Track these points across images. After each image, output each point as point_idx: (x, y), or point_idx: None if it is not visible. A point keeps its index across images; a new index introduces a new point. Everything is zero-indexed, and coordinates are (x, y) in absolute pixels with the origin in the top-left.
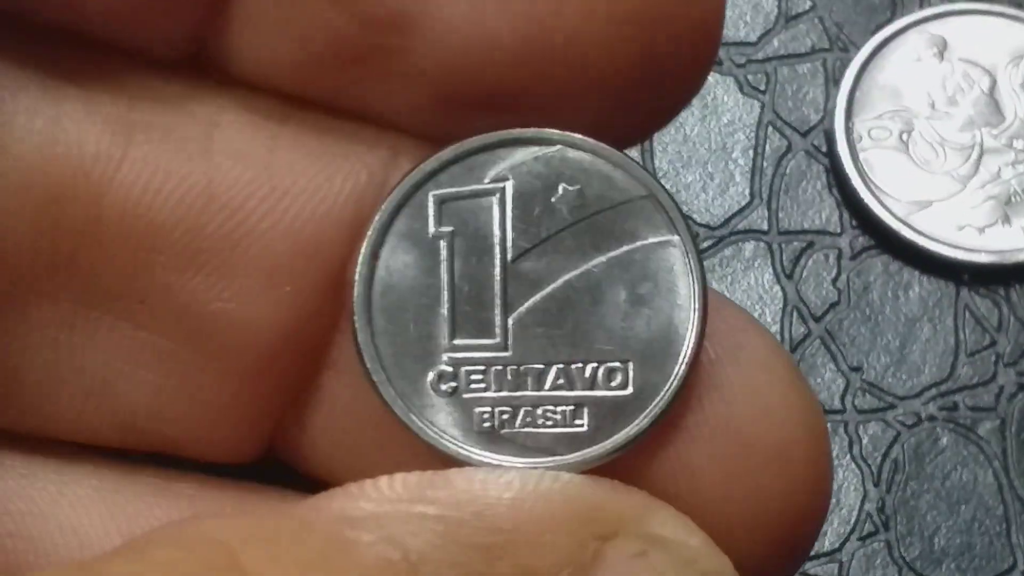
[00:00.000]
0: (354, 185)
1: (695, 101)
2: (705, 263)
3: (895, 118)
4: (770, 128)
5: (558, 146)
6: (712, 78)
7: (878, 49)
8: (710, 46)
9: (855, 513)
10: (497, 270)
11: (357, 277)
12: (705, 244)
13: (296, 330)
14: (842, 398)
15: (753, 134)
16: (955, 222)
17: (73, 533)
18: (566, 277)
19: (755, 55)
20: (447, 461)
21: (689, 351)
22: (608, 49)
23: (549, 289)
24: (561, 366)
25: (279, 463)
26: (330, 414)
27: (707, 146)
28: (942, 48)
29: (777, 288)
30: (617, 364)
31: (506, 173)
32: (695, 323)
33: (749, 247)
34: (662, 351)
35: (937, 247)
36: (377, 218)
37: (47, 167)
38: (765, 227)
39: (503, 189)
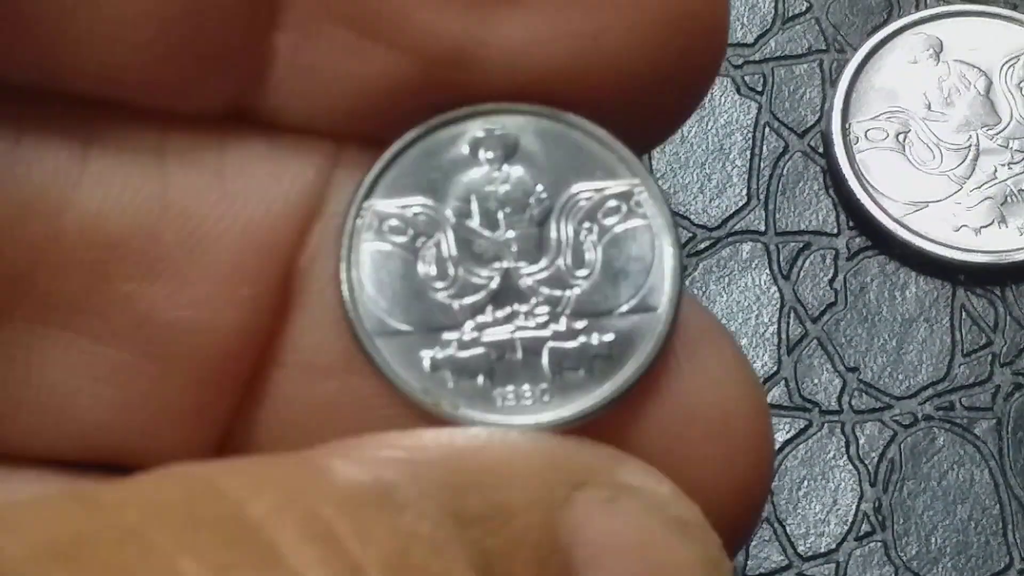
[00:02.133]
0: (302, 182)
1: None
2: (702, 264)
3: (891, 119)
4: (767, 129)
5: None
6: None
7: (874, 50)
8: (722, 43)
9: (852, 513)
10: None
11: (342, 250)
12: (702, 245)
13: (252, 331)
14: (839, 398)
15: (750, 135)
16: (951, 223)
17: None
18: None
19: (752, 56)
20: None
21: (663, 327)
22: (651, 55)
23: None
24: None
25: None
26: (282, 408)
27: (704, 147)
28: (938, 49)
29: (774, 289)
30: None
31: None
32: (670, 303)
33: (746, 248)
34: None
35: (933, 247)
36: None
37: (6, 188)
38: (762, 228)
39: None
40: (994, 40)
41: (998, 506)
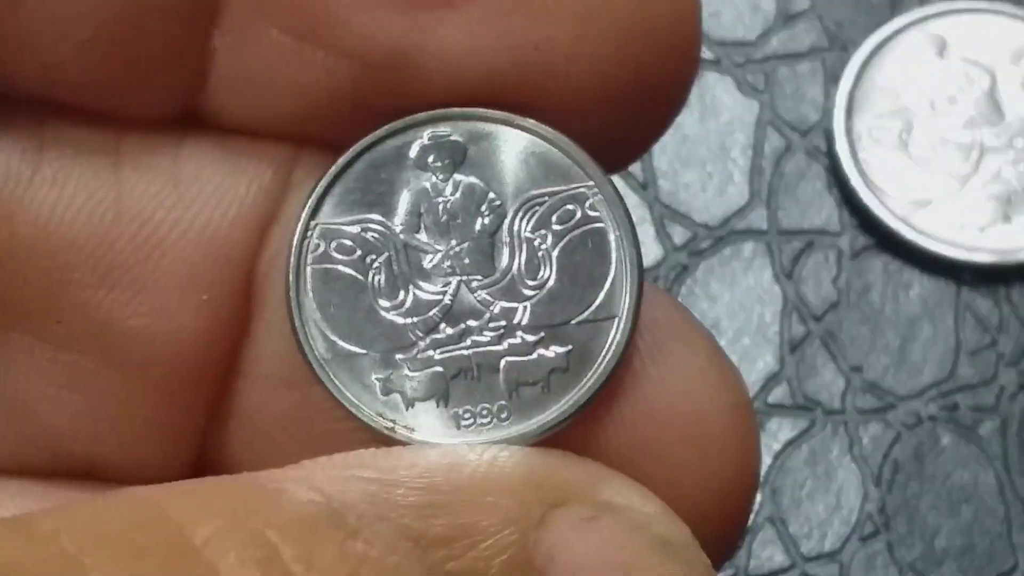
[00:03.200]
0: (259, 186)
1: (694, 101)
2: (704, 263)
3: (895, 117)
4: (769, 128)
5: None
6: (711, 77)
7: (878, 48)
8: (691, 61)
9: (855, 514)
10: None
11: (289, 273)
12: (704, 244)
13: (213, 338)
14: (842, 398)
15: (752, 134)
16: (955, 221)
17: None
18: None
19: (754, 55)
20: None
21: (622, 334)
22: (600, 67)
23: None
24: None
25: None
26: (250, 421)
27: (706, 146)
28: (942, 47)
29: (777, 288)
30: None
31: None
32: (630, 307)
33: (748, 247)
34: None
35: (937, 246)
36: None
37: None
38: (764, 227)
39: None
40: (998, 37)
41: (1003, 507)
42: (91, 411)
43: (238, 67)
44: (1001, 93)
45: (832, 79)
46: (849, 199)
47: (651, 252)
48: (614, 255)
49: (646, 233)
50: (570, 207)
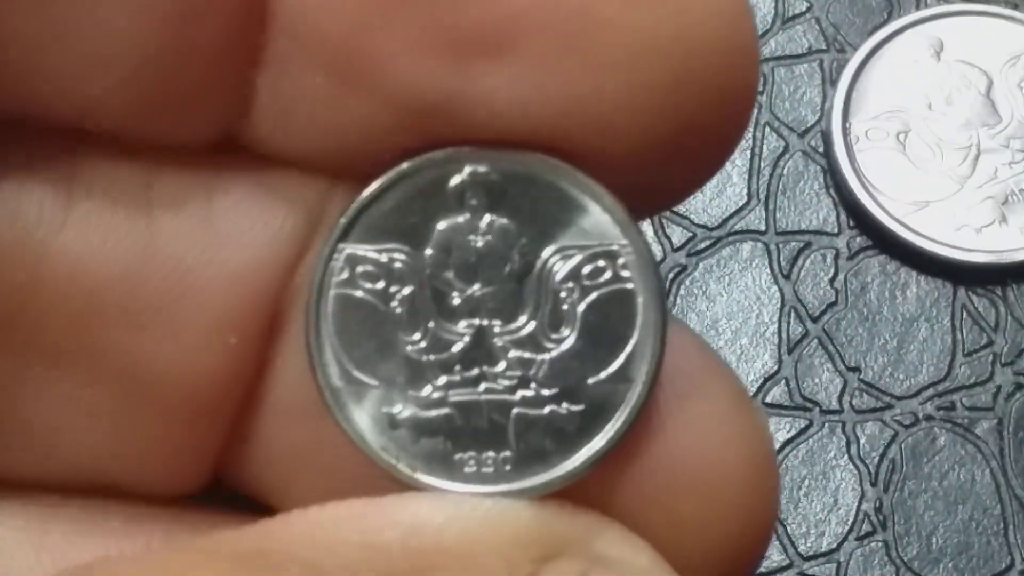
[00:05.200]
0: (293, 224)
1: None
2: (703, 263)
3: (892, 119)
4: (767, 129)
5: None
6: None
7: (875, 50)
8: (745, 112)
9: (852, 513)
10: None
11: (311, 296)
12: (702, 245)
13: (238, 377)
14: (839, 398)
15: (750, 135)
16: (952, 222)
17: None
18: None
19: None
20: (395, 485)
21: (638, 399)
22: (647, 119)
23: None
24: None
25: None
26: (266, 448)
27: None
28: (939, 49)
29: (775, 288)
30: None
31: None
32: (648, 374)
33: (747, 247)
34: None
35: (934, 247)
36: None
37: None
38: (763, 227)
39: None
40: (995, 40)
41: (999, 506)
42: (112, 444)
43: (278, 105)
44: (998, 95)
45: (830, 81)
46: (846, 200)
47: None
48: (640, 319)
49: (645, 233)
50: (601, 263)
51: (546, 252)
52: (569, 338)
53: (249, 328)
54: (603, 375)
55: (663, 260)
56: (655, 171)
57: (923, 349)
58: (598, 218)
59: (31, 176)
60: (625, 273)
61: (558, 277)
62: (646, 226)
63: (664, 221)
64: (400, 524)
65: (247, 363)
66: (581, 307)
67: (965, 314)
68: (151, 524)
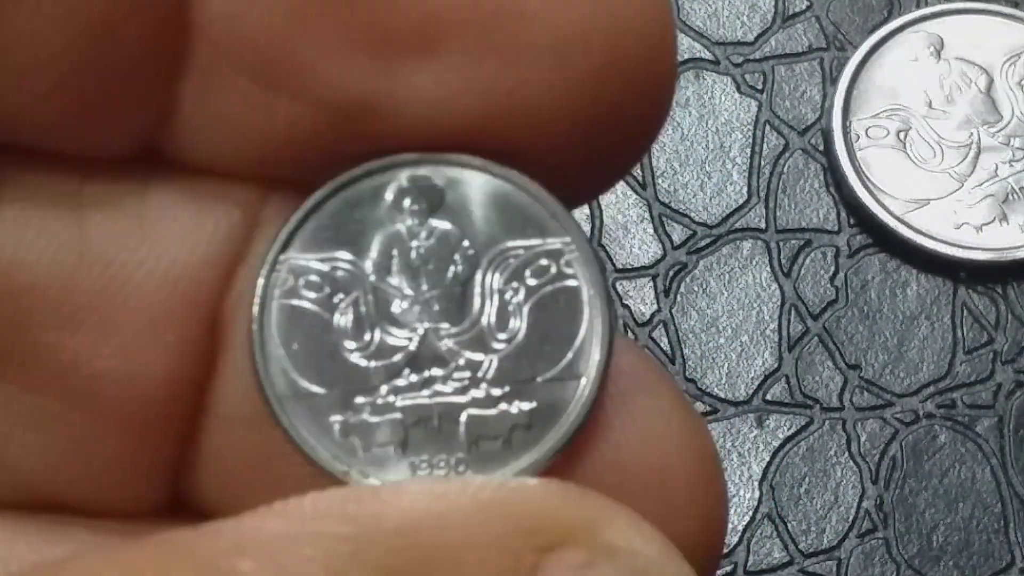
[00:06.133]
0: (228, 224)
1: (693, 100)
2: (703, 261)
3: (892, 117)
4: (767, 127)
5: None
6: (709, 78)
7: (875, 48)
8: (666, 96)
9: (853, 510)
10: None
11: (255, 307)
12: (703, 243)
13: (180, 377)
14: (840, 396)
15: (750, 133)
16: (952, 220)
17: None
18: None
19: (752, 55)
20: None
21: (588, 395)
22: (573, 109)
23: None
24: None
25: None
26: (218, 460)
27: (705, 145)
28: (939, 47)
29: (775, 286)
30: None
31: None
32: (598, 369)
33: (747, 245)
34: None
35: (935, 245)
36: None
37: None
38: (763, 225)
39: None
40: (995, 38)
41: (1000, 504)
42: (58, 451)
43: (203, 112)
44: (998, 93)
45: (830, 79)
46: (847, 198)
47: (650, 250)
48: (586, 314)
49: (646, 231)
50: (544, 262)
51: (489, 253)
52: (517, 336)
53: (187, 330)
54: (553, 371)
55: (663, 258)
56: (583, 161)
57: (923, 347)
58: (538, 216)
59: None
60: (568, 270)
61: (502, 278)
62: (647, 225)
63: (665, 219)
64: (395, 514)
65: (190, 367)
66: (527, 306)
67: (965, 312)
68: (121, 536)
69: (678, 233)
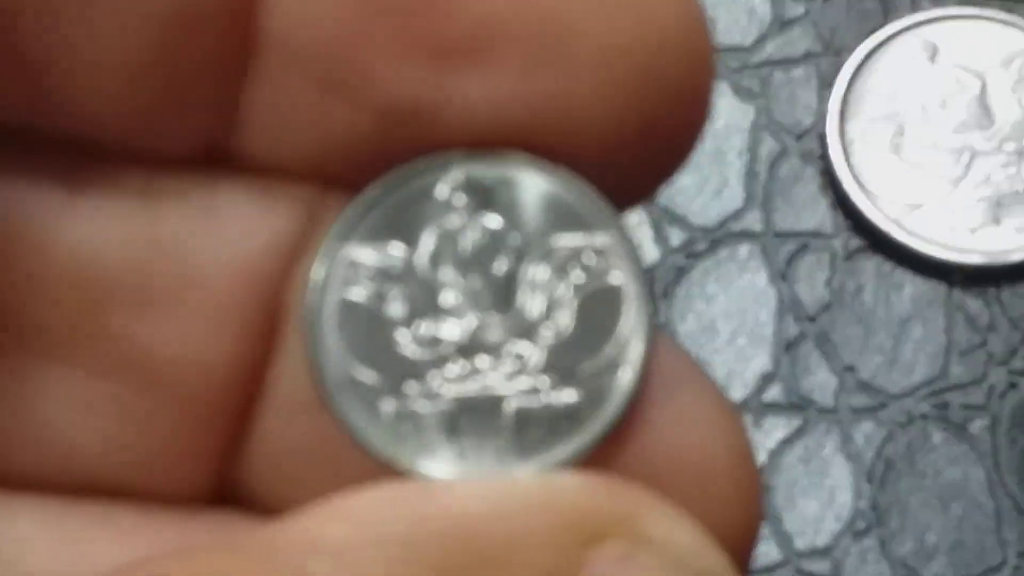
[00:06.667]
0: (291, 218)
1: None
2: (701, 265)
3: (887, 122)
4: (764, 132)
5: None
6: None
7: (871, 54)
8: (703, 107)
9: (848, 510)
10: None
11: (311, 297)
12: (701, 246)
13: (241, 364)
14: (835, 397)
15: (748, 138)
16: (946, 224)
17: (12, 568)
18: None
19: (749, 60)
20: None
21: (628, 390)
22: (616, 115)
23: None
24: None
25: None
26: (268, 445)
27: (702, 149)
28: (933, 53)
29: (771, 289)
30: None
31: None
32: (642, 358)
33: (744, 249)
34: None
35: (929, 248)
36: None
37: None
38: (760, 229)
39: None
40: (989, 43)
41: (992, 504)
42: (118, 436)
43: (267, 115)
44: (992, 98)
45: (826, 84)
46: (842, 202)
47: (649, 254)
48: (629, 307)
49: (644, 235)
50: (590, 257)
51: (537, 248)
52: (563, 328)
53: (250, 314)
54: (596, 363)
55: (661, 262)
56: (625, 167)
57: (918, 349)
58: (583, 214)
59: (34, 173)
60: (613, 266)
61: (548, 272)
62: (645, 229)
63: (662, 223)
64: (445, 516)
65: (250, 355)
66: (573, 299)
67: (959, 314)
68: (168, 519)
69: (676, 237)
